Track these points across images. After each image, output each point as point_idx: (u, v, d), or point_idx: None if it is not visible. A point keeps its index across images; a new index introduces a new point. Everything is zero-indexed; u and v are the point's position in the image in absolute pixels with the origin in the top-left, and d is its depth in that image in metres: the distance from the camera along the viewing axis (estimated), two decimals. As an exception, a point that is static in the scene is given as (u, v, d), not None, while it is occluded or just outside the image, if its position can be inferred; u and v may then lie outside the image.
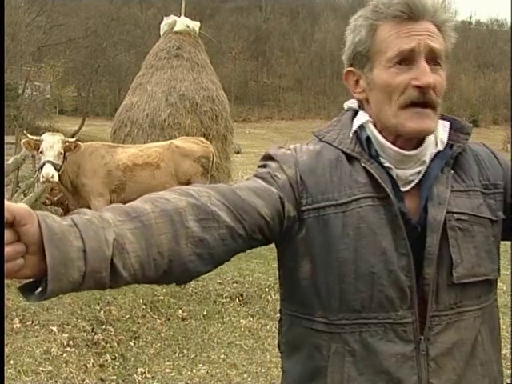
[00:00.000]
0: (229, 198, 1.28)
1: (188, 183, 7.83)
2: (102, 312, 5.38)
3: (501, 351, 1.49)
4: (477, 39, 77.61)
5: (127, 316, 5.46)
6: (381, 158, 1.36)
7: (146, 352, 4.93)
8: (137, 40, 42.91)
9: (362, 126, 1.41)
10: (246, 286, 6.48)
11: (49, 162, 6.52)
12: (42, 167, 6.55)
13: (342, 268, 1.32)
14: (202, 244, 1.22)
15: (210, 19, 60.06)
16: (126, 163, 7.55)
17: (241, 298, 6.21)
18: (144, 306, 5.72)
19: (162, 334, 5.31)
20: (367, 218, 1.32)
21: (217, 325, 5.64)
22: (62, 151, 6.68)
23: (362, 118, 1.42)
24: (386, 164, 1.36)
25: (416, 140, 1.37)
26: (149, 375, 4.55)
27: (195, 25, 12.67)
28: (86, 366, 4.43)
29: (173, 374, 4.62)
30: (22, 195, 9.13)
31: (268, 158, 1.43)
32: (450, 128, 1.44)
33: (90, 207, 7.42)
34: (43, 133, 6.91)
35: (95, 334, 4.97)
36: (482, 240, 1.37)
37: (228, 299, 6.18)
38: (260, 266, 7.12)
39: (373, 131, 1.39)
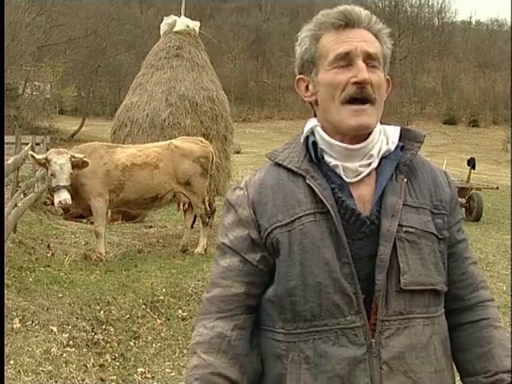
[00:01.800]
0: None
1: (187, 183, 7.85)
2: (102, 312, 5.37)
3: (452, 361, 1.56)
4: (477, 39, 77.52)
5: (127, 316, 5.45)
6: (327, 158, 1.49)
7: (146, 352, 4.93)
8: (137, 40, 42.89)
9: (311, 133, 1.54)
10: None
11: (63, 187, 6.75)
12: (54, 190, 6.78)
13: (290, 282, 1.44)
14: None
15: (210, 19, 59.98)
16: (124, 163, 7.56)
17: (241, 298, 6.20)
18: (144, 306, 5.71)
19: (162, 334, 5.31)
20: (309, 233, 1.43)
21: (217, 325, 5.64)
22: (72, 171, 6.87)
23: (310, 123, 1.56)
24: (332, 163, 1.48)
25: (362, 136, 1.48)
26: (149, 375, 4.55)
27: (195, 25, 12.65)
28: (86, 366, 4.43)
29: (173, 373, 4.62)
30: (22, 195, 9.12)
31: (228, 204, 1.57)
32: (403, 136, 1.55)
33: (89, 207, 7.43)
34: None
35: (95, 333, 4.97)
36: (428, 253, 1.48)
37: (228, 299, 6.17)
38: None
39: (320, 133, 1.52)
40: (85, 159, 7.05)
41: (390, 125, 1.59)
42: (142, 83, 11.93)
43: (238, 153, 29.71)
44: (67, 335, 4.76)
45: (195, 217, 8.51)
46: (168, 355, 4.94)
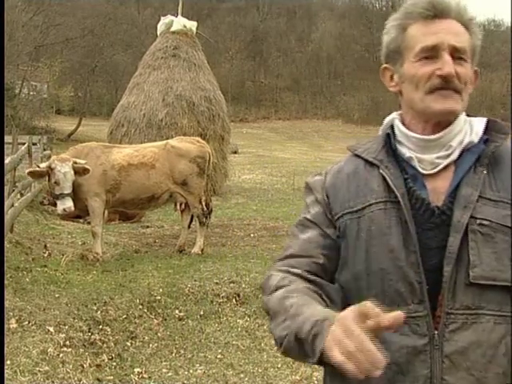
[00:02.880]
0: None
1: (184, 183, 7.85)
2: (99, 312, 5.37)
3: None
4: (474, 39, 77.76)
5: (124, 316, 5.45)
6: (402, 149, 1.50)
7: (142, 352, 4.93)
8: (134, 40, 42.89)
9: (391, 125, 1.56)
10: (243, 286, 6.48)
11: (67, 194, 6.88)
12: (58, 198, 6.90)
13: (356, 267, 1.46)
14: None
15: (207, 19, 60.03)
16: (120, 163, 7.57)
17: (238, 298, 6.21)
18: (141, 306, 5.71)
19: (159, 334, 5.31)
20: (377, 221, 1.45)
21: (214, 325, 5.64)
22: (74, 177, 6.98)
23: (388, 118, 1.59)
24: (407, 154, 1.48)
25: (444, 124, 1.47)
26: (145, 375, 4.54)
27: (192, 25, 12.68)
28: (83, 366, 4.43)
29: (169, 374, 4.62)
30: (19, 195, 9.11)
31: (307, 187, 1.63)
32: (489, 128, 1.52)
33: (86, 207, 7.43)
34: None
35: (92, 334, 4.97)
36: (504, 248, 1.40)
37: (225, 299, 6.18)
38: (257, 266, 7.11)
39: (397, 125, 1.54)
40: (86, 166, 7.09)
41: (475, 117, 1.57)
42: (139, 83, 11.96)
43: (236, 153, 29.71)
44: (64, 335, 4.76)
45: (192, 217, 8.50)
46: (165, 355, 4.94)
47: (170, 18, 12.60)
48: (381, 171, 1.48)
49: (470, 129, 1.51)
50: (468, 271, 1.38)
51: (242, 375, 4.65)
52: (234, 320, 5.76)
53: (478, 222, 1.40)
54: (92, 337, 4.92)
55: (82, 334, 4.90)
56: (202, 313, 5.85)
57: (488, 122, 1.54)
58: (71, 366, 4.36)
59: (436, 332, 1.38)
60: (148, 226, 10.63)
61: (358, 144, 1.61)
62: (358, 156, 1.56)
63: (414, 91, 1.47)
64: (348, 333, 1.19)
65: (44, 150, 14.72)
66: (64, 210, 7.04)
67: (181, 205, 8.47)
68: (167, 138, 9.21)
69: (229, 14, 67.47)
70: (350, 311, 1.21)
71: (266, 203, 14.86)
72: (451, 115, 1.46)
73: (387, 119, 1.59)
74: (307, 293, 1.43)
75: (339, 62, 62.08)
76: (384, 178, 1.47)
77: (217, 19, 64.32)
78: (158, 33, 12.61)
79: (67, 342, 4.67)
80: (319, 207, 1.55)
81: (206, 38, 22.76)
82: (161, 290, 6.16)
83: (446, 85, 1.42)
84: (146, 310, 5.68)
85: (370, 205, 1.47)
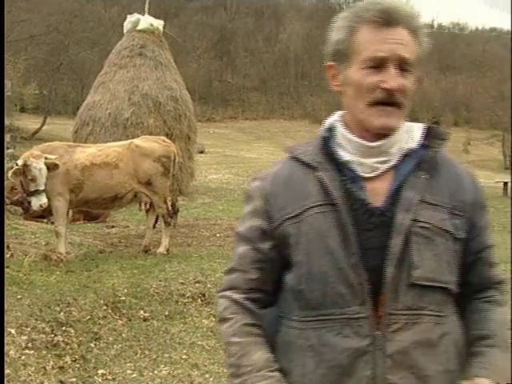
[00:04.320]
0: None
1: (148, 183, 7.81)
2: (62, 313, 5.30)
3: (462, 365, 1.54)
4: (438, 42, 78.74)
5: (88, 317, 5.40)
6: (342, 152, 1.51)
7: (106, 353, 4.89)
8: (100, 38, 42.37)
9: (330, 128, 1.58)
10: (208, 285, 6.47)
11: (42, 191, 6.84)
12: (33, 194, 6.86)
13: (298, 271, 1.48)
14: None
15: (175, 18, 59.70)
16: (83, 163, 7.52)
17: (203, 298, 6.20)
18: (105, 307, 5.66)
19: (124, 335, 5.27)
20: (316, 224, 1.46)
21: (179, 325, 5.62)
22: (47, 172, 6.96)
23: (330, 119, 1.60)
24: (345, 158, 1.50)
25: (383, 135, 1.49)
26: (110, 377, 4.51)
27: (159, 23, 12.58)
28: (45, 369, 4.37)
29: (134, 375, 4.60)
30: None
31: (247, 194, 1.64)
32: (427, 134, 1.55)
33: (49, 207, 7.34)
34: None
35: (55, 335, 4.91)
36: (443, 250, 1.47)
37: (190, 299, 6.17)
38: (222, 266, 7.10)
39: (340, 128, 1.55)
40: (56, 162, 7.04)
41: (416, 122, 1.60)
42: (105, 82, 11.81)
43: (202, 152, 29.62)
44: (26, 337, 4.69)
45: (157, 217, 8.46)
46: (129, 356, 4.91)
47: (136, 16, 12.47)
48: (317, 174, 1.49)
49: (409, 135, 1.54)
50: (410, 272, 1.42)
51: (207, 375, 4.65)
52: (199, 320, 5.75)
53: (420, 224, 1.44)
54: (55, 338, 4.86)
55: (44, 336, 4.84)
56: (167, 313, 5.83)
57: (427, 128, 1.58)
58: (33, 369, 4.31)
59: (378, 333, 1.40)
60: (113, 226, 10.55)
61: (295, 146, 1.62)
62: (295, 158, 1.56)
63: (356, 99, 1.48)
64: None
65: (7, 148, 14.49)
66: (40, 206, 6.98)
67: (146, 204, 8.42)
68: (133, 138, 9.12)
69: (196, 13, 67.20)
70: None
71: (233, 203, 14.87)
72: (390, 131, 1.49)
73: (329, 120, 1.61)
74: (246, 333, 1.52)
75: (306, 63, 62.29)
76: (321, 181, 1.48)
77: (184, 18, 64.00)
78: (125, 31, 12.47)
79: (29, 344, 4.61)
80: (254, 220, 1.57)
81: (173, 37, 22.69)
82: (125, 290, 6.11)
83: (388, 99, 1.44)
84: (110, 311, 5.63)
85: (308, 209, 1.48)
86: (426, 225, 1.45)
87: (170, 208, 8.21)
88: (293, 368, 1.48)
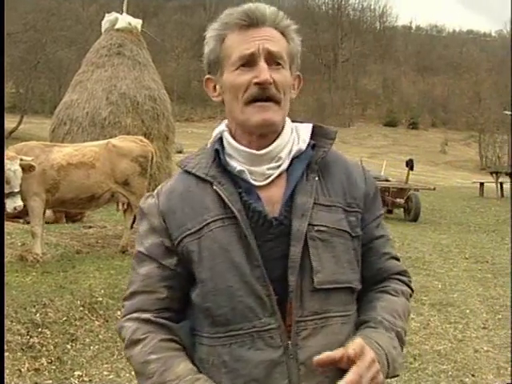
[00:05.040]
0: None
1: (125, 183, 7.77)
2: (38, 314, 5.25)
3: None
4: (416, 44, 79.34)
5: (64, 318, 5.34)
6: (233, 163, 1.49)
7: (83, 355, 4.84)
8: (78, 36, 42.04)
9: (220, 138, 1.56)
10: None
11: (17, 193, 6.74)
12: (7, 196, 6.77)
13: (203, 288, 1.45)
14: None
15: (153, 17, 59.44)
16: (60, 162, 7.45)
17: (181, 299, 6.17)
18: (82, 308, 5.61)
19: (100, 336, 5.23)
20: (218, 239, 1.43)
21: (156, 326, 5.59)
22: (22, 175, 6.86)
23: (218, 129, 1.59)
24: (237, 168, 1.47)
25: (269, 136, 1.49)
26: (86, 378, 4.47)
27: (137, 22, 12.53)
28: (21, 371, 4.33)
29: (111, 376, 4.56)
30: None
31: (141, 212, 1.58)
32: (315, 134, 1.56)
33: (26, 207, 7.26)
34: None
35: (30, 337, 4.85)
36: (342, 251, 1.47)
37: (168, 300, 6.13)
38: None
39: (227, 138, 1.53)
40: (32, 163, 6.95)
41: (302, 122, 1.60)
42: (83, 81, 11.74)
43: (181, 152, 29.50)
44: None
45: (135, 217, 8.39)
46: (106, 357, 4.87)
47: (114, 15, 12.40)
48: (214, 187, 1.47)
49: (297, 136, 1.54)
50: (312, 278, 1.42)
51: (184, 376, 4.62)
52: (177, 321, 5.72)
53: (316, 228, 1.45)
54: (31, 340, 4.80)
55: (20, 338, 4.78)
56: (144, 314, 5.79)
57: (314, 127, 1.57)
58: (8, 371, 4.26)
59: (289, 342, 1.40)
60: (90, 227, 10.46)
61: (187, 159, 1.59)
62: (188, 172, 1.54)
63: (234, 101, 1.48)
64: None
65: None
66: (15, 208, 6.85)
67: (123, 205, 8.36)
68: (111, 137, 9.06)
69: (175, 12, 67.11)
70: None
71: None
72: (271, 127, 1.47)
73: (216, 130, 1.59)
74: (165, 348, 1.45)
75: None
76: (218, 195, 1.46)
77: (163, 17, 63.80)
78: (103, 30, 12.40)
79: (4, 346, 4.55)
80: (154, 237, 1.52)
81: (151, 37, 22.58)
82: (102, 291, 6.07)
83: (263, 94, 1.43)
84: (87, 312, 5.58)
85: (208, 223, 1.45)
86: (322, 228, 1.45)
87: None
88: None
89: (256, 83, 1.43)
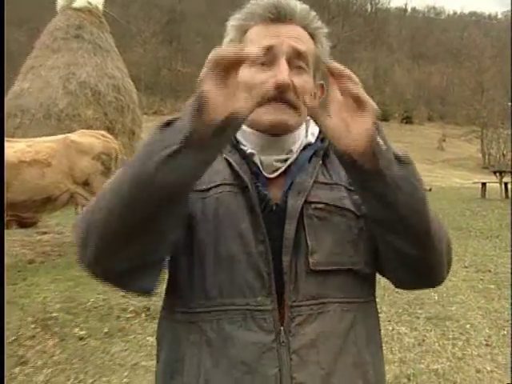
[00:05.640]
0: None
1: (86, 183, 7.72)
2: (-18, 333, 5.18)
3: (380, 356, 1.57)
4: (412, 28, 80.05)
5: (13, 338, 5.28)
6: (242, 146, 1.52)
7: (34, 380, 4.77)
8: (29, 15, 41.80)
9: None
10: (154, 298, 6.34)
11: None
12: None
13: (201, 251, 1.43)
14: None
15: (117, -4, 59.30)
16: (10, 160, 7.37)
17: (147, 313, 6.14)
18: (33, 326, 5.55)
19: (55, 358, 5.17)
20: (226, 203, 1.45)
21: (120, 344, 5.54)
22: None
23: None
24: (249, 151, 1.51)
25: (282, 133, 1.50)
26: (37, 406, 4.41)
27: (98, 1, 12.48)
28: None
29: (66, 403, 4.51)
30: None
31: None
32: None
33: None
34: None
35: (-27, 359, 4.78)
36: (343, 230, 1.49)
37: (133, 314, 6.10)
38: (170, 278, 7.07)
39: None
40: None
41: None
42: (35, 67, 11.67)
43: (149, 149, 29.52)
44: None
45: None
46: (61, 382, 4.80)
47: (72, -8, 12.34)
48: (225, 156, 1.50)
49: (306, 130, 1.59)
50: (307, 258, 1.43)
51: (150, 402, 4.59)
52: (143, 338, 5.67)
53: (313, 206, 1.47)
54: (-27, 363, 4.73)
55: (-40, 360, 4.71)
56: (106, 330, 5.74)
57: None
58: None
59: (281, 327, 1.41)
60: (45, 232, 10.38)
61: None
62: None
63: None
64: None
65: None
66: None
67: (83, 208, 8.31)
68: (69, 132, 9.02)
69: (142, -9, 66.88)
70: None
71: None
72: (283, 127, 1.49)
73: None
74: None
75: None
76: (230, 163, 1.49)
77: (128, -3, 63.62)
78: (58, 9, 12.33)
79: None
80: None
81: (114, 18, 22.41)
82: (58, 305, 6.02)
83: (279, 96, 1.43)
84: (39, 330, 5.52)
85: (217, 186, 1.47)
86: (320, 205, 1.48)
87: (111, 211, 8.11)
88: (184, 369, 1.44)
89: (274, 84, 1.42)
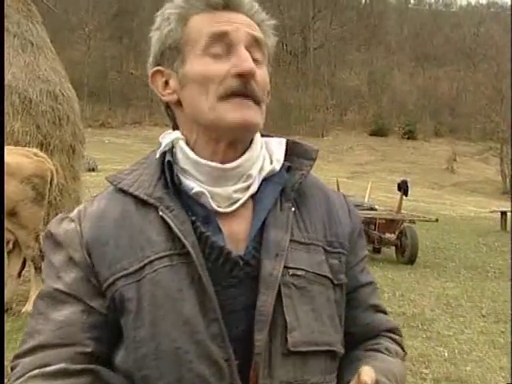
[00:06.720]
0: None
1: (12, 213, 7.62)
2: None
3: None
4: (415, 23, 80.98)
5: None
6: (189, 182, 1.51)
7: None
8: None
9: (171, 149, 1.57)
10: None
11: None
12: None
13: (139, 350, 1.41)
14: None
15: (55, -17, 59.45)
16: None
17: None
18: None
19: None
20: (163, 283, 1.42)
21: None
22: None
23: (168, 137, 1.58)
24: (195, 189, 1.49)
25: (240, 146, 1.53)
26: None
27: (27, -15, 12.45)
28: None
29: None
30: None
31: (53, 241, 1.54)
32: (290, 152, 1.63)
33: None
34: None
35: None
36: (322, 303, 1.50)
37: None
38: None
39: (183, 148, 1.55)
40: None
41: (271, 136, 1.64)
42: (-51, 67, 11.60)
43: (93, 170, 29.51)
44: None
45: (25, 261, 8.27)
46: None
47: (-5, -25, 12.31)
48: (160, 214, 1.47)
49: (267, 154, 1.60)
50: (286, 337, 1.42)
51: None
52: None
53: (291, 272, 1.47)
54: None
55: None
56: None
57: (287, 144, 1.63)
58: None
59: None
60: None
61: (120, 174, 1.59)
62: (124, 192, 1.54)
63: (201, 96, 1.50)
64: None
65: None
66: None
67: (7, 243, 8.21)
68: (-9, 148, 8.94)
69: (85, -24, 67.10)
70: None
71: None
72: (250, 128, 1.51)
73: (166, 139, 1.59)
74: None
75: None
76: (166, 224, 1.46)
77: (68, -18, 63.79)
78: (-22, -4, 12.30)
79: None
80: (77, 270, 1.48)
81: (48, 7, 22.36)
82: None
83: (244, 88, 1.46)
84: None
85: (151, 262, 1.43)
86: (299, 272, 1.48)
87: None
88: None
89: (236, 74, 1.46)
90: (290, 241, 1.49)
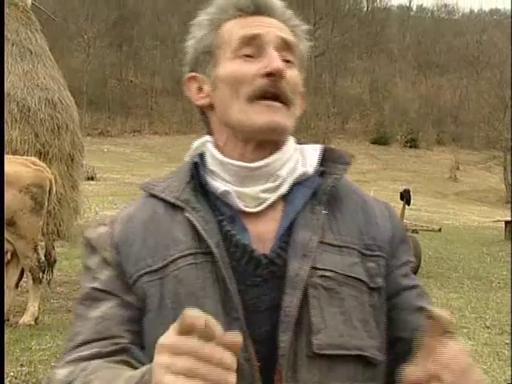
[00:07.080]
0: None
1: (10, 223, 7.61)
2: None
3: None
4: (417, 31, 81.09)
5: None
6: (216, 183, 1.52)
7: None
8: None
9: (200, 153, 1.61)
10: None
11: None
12: None
13: None
14: None
15: (53, -11, 59.54)
16: None
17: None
18: None
19: None
20: (186, 281, 1.44)
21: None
22: None
23: (197, 142, 1.64)
24: (221, 189, 1.50)
25: (269, 147, 1.54)
26: None
27: (26, -7, 12.48)
28: None
29: None
30: None
31: (89, 245, 1.58)
32: (325, 158, 1.62)
33: None
34: None
35: None
36: (353, 306, 1.47)
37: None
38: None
39: (211, 150, 1.59)
40: None
41: (307, 143, 1.65)
42: None
43: (92, 179, 29.48)
44: None
45: (23, 271, 8.26)
46: None
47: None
48: (186, 214, 1.49)
49: (302, 158, 1.61)
50: (310, 339, 1.41)
51: None
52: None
53: (320, 273, 1.45)
54: None
55: None
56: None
57: (324, 150, 1.64)
58: None
59: None
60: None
61: (154, 181, 1.63)
62: (155, 197, 1.57)
63: (232, 97, 1.53)
64: (176, 351, 1.14)
65: None
66: None
67: (6, 254, 8.20)
68: (-11, 158, 8.94)
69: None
70: (169, 332, 1.18)
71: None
72: (279, 131, 1.53)
73: (196, 143, 1.64)
74: (110, 367, 1.39)
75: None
76: (191, 224, 1.48)
77: (66, -11, 63.87)
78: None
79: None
80: (110, 269, 1.52)
81: (47, 15, 22.40)
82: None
83: (273, 87, 1.49)
84: None
85: (175, 260, 1.46)
86: (328, 273, 1.46)
87: (43, 258, 8.01)
88: None
89: (266, 73, 1.49)
90: (321, 243, 1.48)
